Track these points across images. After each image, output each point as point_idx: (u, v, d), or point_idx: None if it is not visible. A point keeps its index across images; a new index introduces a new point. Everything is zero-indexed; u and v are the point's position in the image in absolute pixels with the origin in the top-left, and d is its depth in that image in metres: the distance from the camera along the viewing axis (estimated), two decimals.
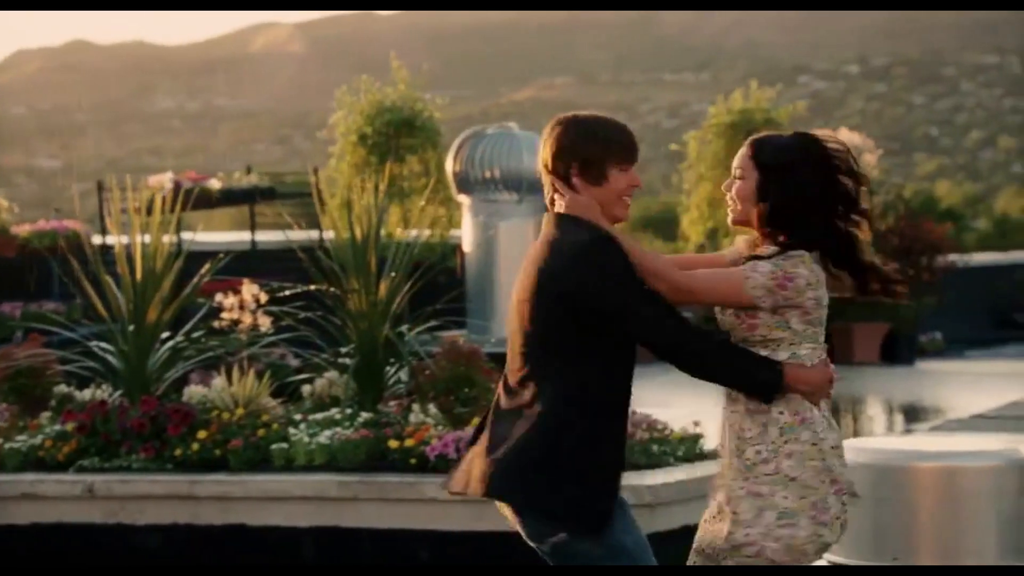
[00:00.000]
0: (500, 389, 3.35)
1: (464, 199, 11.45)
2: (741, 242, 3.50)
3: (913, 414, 12.11)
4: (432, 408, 6.77)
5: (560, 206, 3.32)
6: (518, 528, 3.29)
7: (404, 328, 7.04)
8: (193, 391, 6.92)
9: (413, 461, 6.40)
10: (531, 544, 3.28)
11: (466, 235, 11.47)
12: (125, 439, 6.54)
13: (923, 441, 5.00)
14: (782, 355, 3.32)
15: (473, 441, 3.42)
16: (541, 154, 3.35)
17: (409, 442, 6.47)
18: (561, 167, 3.30)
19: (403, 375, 7.11)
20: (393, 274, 7.03)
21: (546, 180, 3.34)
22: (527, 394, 3.25)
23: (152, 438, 6.54)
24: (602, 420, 3.24)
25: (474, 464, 3.34)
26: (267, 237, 11.96)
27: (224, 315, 7.10)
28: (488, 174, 11.22)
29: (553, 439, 3.21)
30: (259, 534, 6.34)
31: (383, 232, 7.59)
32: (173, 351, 6.97)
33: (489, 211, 11.23)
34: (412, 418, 6.70)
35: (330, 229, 7.34)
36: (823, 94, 73.94)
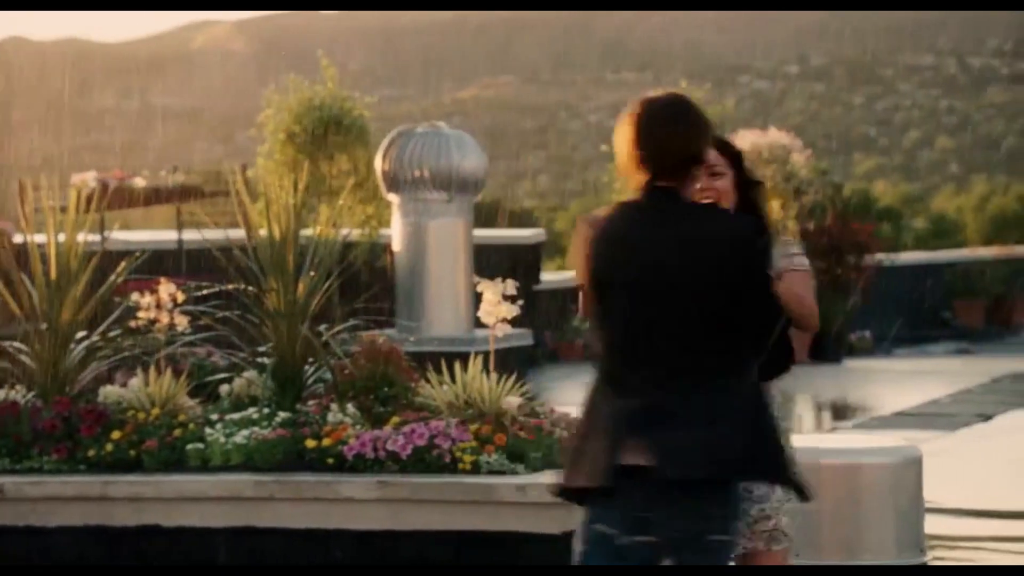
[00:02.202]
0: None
1: (394, 198, 11.43)
2: None
3: (839, 412, 12.25)
4: (351, 407, 6.76)
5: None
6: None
7: (322, 328, 7.03)
8: (109, 391, 6.88)
9: (331, 461, 6.39)
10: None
11: (396, 234, 11.46)
12: (37, 440, 6.49)
13: (825, 439, 5.06)
14: None
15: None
16: (700, 140, 3.38)
17: (327, 441, 6.46)
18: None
19: (324, 374, 7.09)
20: (312, 273, 7.01)
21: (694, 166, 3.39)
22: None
23: (64, 439, 6.50)
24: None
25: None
26: (195, 236, 11.90)
27: (140, 314, 7.05)
28: (417, 173, 11.21)
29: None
30: (173, 535, 6.31)
31: (311, 231, 7.57)
32: (88, 351, 6.92)
33: (419, 210, 11.22)
34: (330, 417, 6.68)
35: (252, 228, 7.32)
36: (763, 94, 74.47)
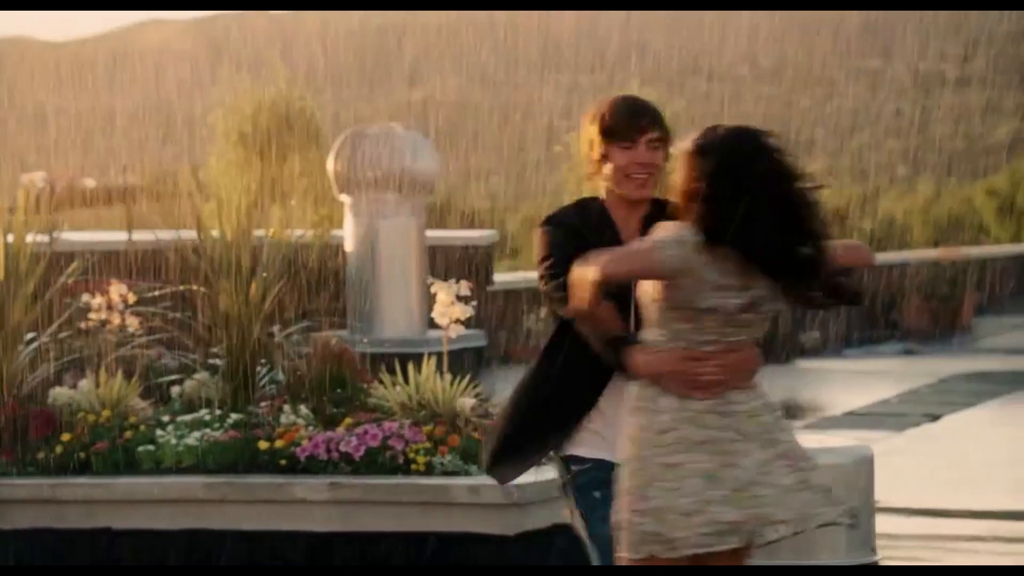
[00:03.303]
0: None
1: (346, 199, 11.41)
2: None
3: (790, 412, 12.34)
4: (303, 409, 6.75)
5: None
6: None
7: (275, 328, 7.01)
8: (58, 393, 6.83)
9: (283, 462, 6.38)
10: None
11: (348, 235, 11.43)
12: None
13: None
14: (646, 335, 3.35)
15: None
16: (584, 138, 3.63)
17: (279, 443, 6.44)
18: (587, 150, 3.59)
19: (276, 376, 7.08)
20: (265, 274, 7.00)
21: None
22: None
23: (13, 441, 6.44)
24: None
25: None
26: (146, 237, 11.81)
27: (91, 315, 7.01)
28: (370, 174, 11.18)
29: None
30: (124, 537, 6.28)
31: (266, 232, 7.56)
32: (38, 352, 6.87)
33: (371, 211, 11.19)
34: (283, 419, 6.67)
35: (203, 229, 7.29)
36: (713, 95, 74.76)
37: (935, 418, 11.52)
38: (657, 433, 3.29)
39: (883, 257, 21.58)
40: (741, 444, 3.29)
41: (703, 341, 3.30)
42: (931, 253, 21.79)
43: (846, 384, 14.11)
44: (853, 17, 79.32)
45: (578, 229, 3.48)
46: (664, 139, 3.55)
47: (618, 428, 3.39)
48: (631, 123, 3.47)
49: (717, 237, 3.24)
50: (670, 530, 3.25)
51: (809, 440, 4.98)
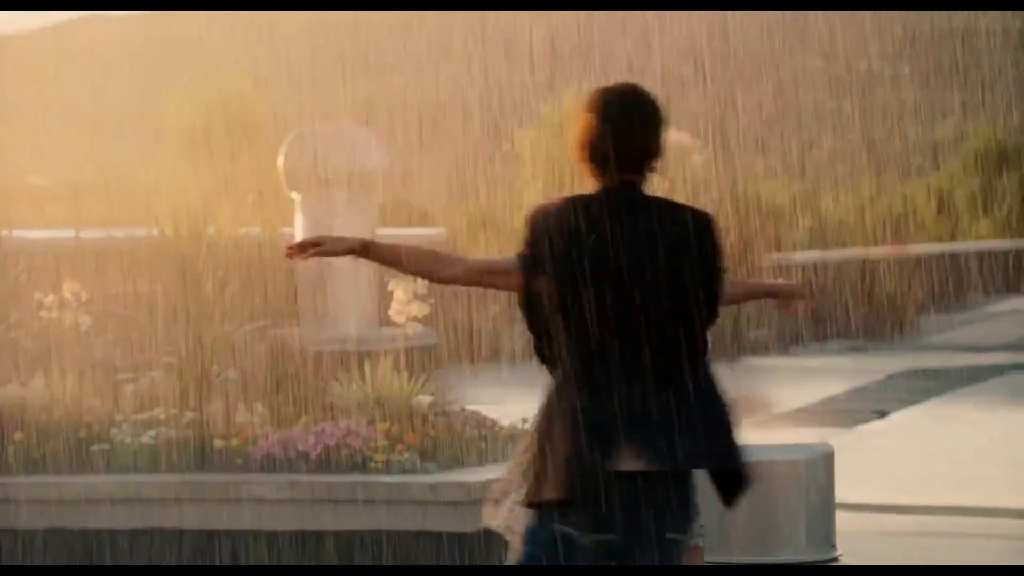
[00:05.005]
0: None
1: (295, 196, 11.37)
2: None
3: (739, 409, 12.39)
4: (259, 407, 6.73)
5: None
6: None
7: (231, 327, 6.98)
8: (10, 391, 6.76)
9: (239, 461, 6.35)
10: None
11: (298, 233, 11.38)
12: None
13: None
14: None
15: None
16: (661, 135, 3.42)
17: (235, 442, 6.42)
18: None
19: (231, 374, 7.05)
20: (219, 272, 6.97)
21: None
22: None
23: None
24: None
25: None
26: (97, 235, 11.70)
27: (43, 313, 6.95)
28: (320, 171, 11.13)
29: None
30: (78, 537, 6.22)
31: (217, 230, 7.53)
32: None
33: (321, 209, 11.14)
34: (238, 418, 6.64)
35: (156, 226, 7.26)
36: (659, 95, 75.03)
37: (883, 414, 11.63)
38: None
39: (828, 255, 21.77)
40: None
41: None
42: (876, 251, 22.02)
43: (794, 381, 14.21)
44: (793, 16, 79.94)
45: None
46: None
47: None
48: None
49: None
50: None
51: (767, 437, 5.03)
